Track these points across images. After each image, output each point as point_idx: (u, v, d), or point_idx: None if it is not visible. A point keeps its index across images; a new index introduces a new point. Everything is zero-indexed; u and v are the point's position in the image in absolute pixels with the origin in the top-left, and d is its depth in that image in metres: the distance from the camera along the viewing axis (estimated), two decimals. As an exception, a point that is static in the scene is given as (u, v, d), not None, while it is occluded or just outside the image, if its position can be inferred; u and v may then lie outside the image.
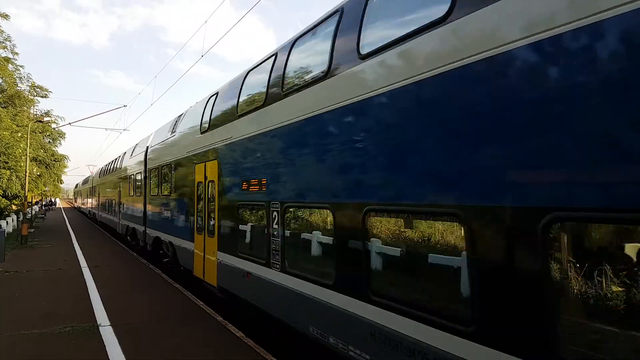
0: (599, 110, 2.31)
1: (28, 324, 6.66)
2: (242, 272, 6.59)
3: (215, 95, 8.69)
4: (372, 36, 4.16)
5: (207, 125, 8.60)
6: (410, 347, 3.41)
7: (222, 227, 7.62)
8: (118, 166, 20.52)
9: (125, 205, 18.02)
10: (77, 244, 17.78)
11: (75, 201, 68.74)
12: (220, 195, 7.69)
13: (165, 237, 11.43)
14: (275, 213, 5.66)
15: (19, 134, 23.73)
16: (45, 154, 32.36)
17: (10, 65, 26.43)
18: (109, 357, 5.36)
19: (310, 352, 5.23)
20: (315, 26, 5.33)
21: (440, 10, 3.30)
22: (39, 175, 30.00)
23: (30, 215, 28.28)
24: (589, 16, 2.32)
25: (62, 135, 35.89)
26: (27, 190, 22.73)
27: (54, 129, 33.69)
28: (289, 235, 5.49)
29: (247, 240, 6.77)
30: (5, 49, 26.01)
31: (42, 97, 31.80)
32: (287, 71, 5.72)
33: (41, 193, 36.82)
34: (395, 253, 3.78)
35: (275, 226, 5.65)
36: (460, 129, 3.12)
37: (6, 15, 24.59)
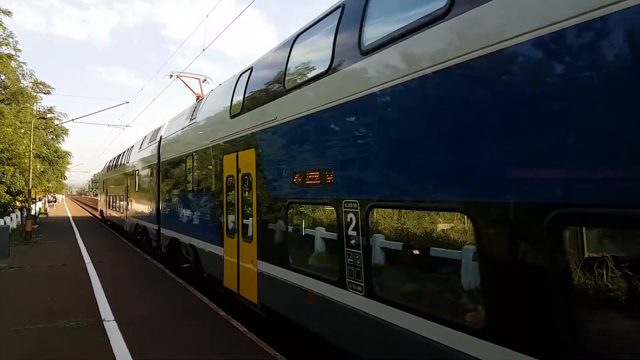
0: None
1: (32, 319, 6.70)
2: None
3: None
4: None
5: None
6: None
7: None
8: None
9: None
10: (80, 240, 17.87)
11: (111, 205, 24.46)
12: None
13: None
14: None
15: (22, 131, 23.82)
16: (48, 150, 32.50)
17: (13, 62, 26.50)
18: (114, 352, 5.39)
19: (312, 345, 5.25)
20: None
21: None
22: (43, 172, 30.11)
23: (34, 211, 28.44)
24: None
25: (65, 131, 36.05)
26: (30, 186, 22.82)
27: (57, 125, 33.81)
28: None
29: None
30: (8, 46, 26.07)
31: (45, 93, 31.99)
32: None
33: (45, 189, 36.85)
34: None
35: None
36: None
37: (8, 12, 24.63)
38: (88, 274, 10.38)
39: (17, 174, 23.17)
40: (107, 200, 26.15)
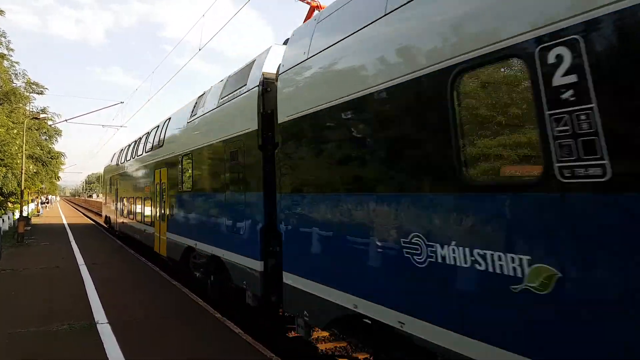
0: None
1: (25, 322, 6.60)
2: None
3: None
4: None
5: None
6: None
7: None
8: None
9: None
10: (74, 242, 17.70)
11: (126, 212, 17.21)
12: None
13: None
14: None
15: (15, 131, 23.59)
16: (41, 151, 32.24)
17: (5, 62, 26.28)
18: (107, 355, 5.31)
19: (306, 346, 5.20)
20: None
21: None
22: (36, 173, 29.85)
23: (27, 212, 28.16)
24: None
25: (58, 132, 35.81)
26: (23, 187, 22.59)
27: (50, 126, 33.55)
28: None
29: None
30: (0, 45, 25.85)
31: (38, 93, 31.75)
32: None
33: (38, 191, 36.48)
34: None
35: None
36: None
37: (1, 11, 24.41)
38: (81, 276, 10.26)
39: (10, 175, 22.95)
40: (118, 203, 18.81)
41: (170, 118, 11.57)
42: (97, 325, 6.49)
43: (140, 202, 14.40)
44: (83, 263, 12.16)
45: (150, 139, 13.28)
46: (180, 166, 9.94)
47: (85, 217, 37.94)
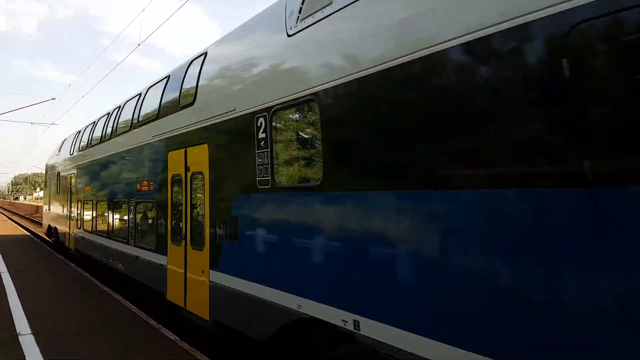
0: None
1: None
2: None
3: None
4: None
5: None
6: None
7: None
8: None
9: None
10: (-5, 247, 16.27)
11: (96, 222, 11.32)
12: None
13: None
14: None
15: None
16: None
17: None
18: (28, 368, 5.02)
19: (245, 351, 5.26)
20: None
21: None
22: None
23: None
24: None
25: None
26: None
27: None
28: None
29: None
30: None
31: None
32: None
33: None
34: None
35: None
36: None
37: None
38: (3, 284, 9.49)
39: None
40: (75, 209, 13.41)
41: (206, 53, 6.67)
42: (19, 336, 6.08)
43: (124, 209, 9.47)
44: (5, 270, 11.24)
45: (151, 100, 8.43)
46: (262, 136, 4.80)
47: (11, 222, 34.86)
